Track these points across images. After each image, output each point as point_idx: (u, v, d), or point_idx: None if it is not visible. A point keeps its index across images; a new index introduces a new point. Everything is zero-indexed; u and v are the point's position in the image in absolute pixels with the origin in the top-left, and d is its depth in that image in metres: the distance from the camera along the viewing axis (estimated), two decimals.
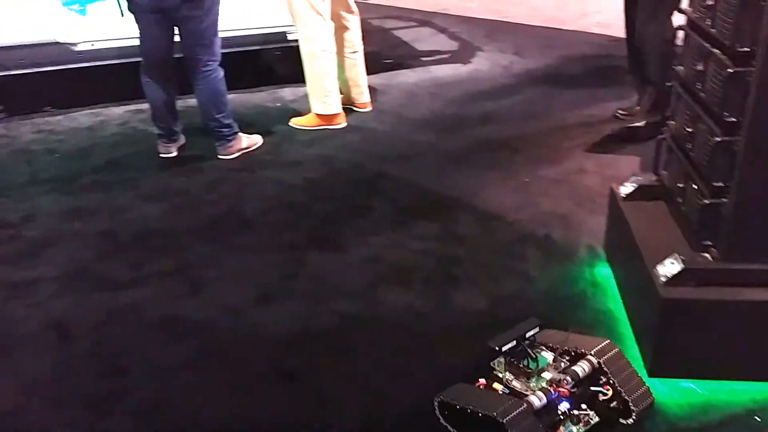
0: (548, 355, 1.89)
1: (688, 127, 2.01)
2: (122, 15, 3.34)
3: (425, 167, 3.52)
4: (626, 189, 2.34)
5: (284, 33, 4.59)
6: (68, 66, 4.34)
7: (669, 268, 1.89)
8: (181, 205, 3.18)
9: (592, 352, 1.82)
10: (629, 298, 2.25)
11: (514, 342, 1.85)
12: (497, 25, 6.25)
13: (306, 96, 4.13)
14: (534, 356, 1.86)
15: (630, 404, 1.78)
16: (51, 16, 4.18)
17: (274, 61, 5.24)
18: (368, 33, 6.46)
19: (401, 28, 6.67)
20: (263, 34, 4.62)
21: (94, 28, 4.32)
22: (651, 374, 1.96)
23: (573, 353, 1.87)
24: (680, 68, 2.14)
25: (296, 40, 4.51)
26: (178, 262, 2.71)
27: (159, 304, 2.44)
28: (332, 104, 4.00)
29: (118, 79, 4.52)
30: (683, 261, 1.88)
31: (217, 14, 3.39)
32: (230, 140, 3.62)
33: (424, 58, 5.59)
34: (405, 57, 5.61)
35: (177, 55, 3.48)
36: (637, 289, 2.13)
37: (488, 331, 2.17)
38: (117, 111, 4.46)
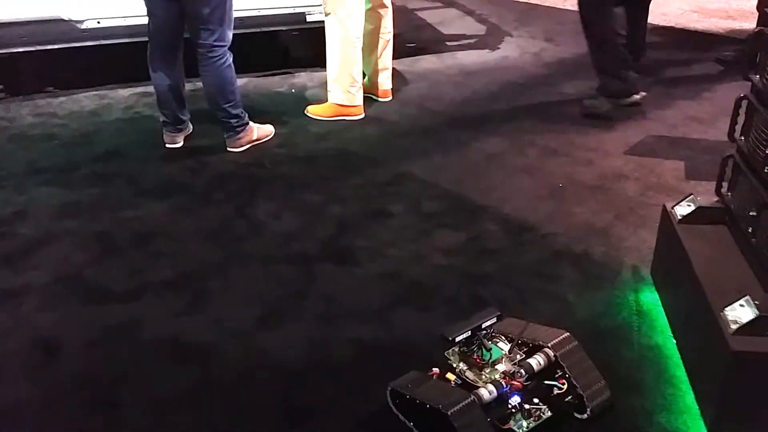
0: (504, 347, 1.84)
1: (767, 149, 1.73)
2: None
3: (450, 167, 3.25)
4: (682, 210, 2.07)
5: (303, 14, 4.31)
6: (73, 44, 4.09)
7: (740, 313, 1.62)
8: (184, 204, 2.94)
9: (550, 345, 1.77)
10: (685, 336, 1.99)
11: (469, 333, 1.81)
12: (527, 9, 5.92)
13: (324, 83, 3.86)
14: (488, 348, 1.82)
15: (585, 399, 1.72)
16: None
17: (291, 43, 4.96)
18: None
19: (425, 9, 6.36)
20: (280, 14, 4.33)
21: (100, 5, 4.06)
22: None
23: (530, 345, 1.82)
24: (756, 78, 1.85)
25: (316, 22, 4.25)
26: (179, 271, 2.47)
27: (157, 322, 2.21)
28: (356, 95, 3.73)
29: (125, 60, 4.27)
30: (758, 306, 1.61)
31: None
32: (239, 132, 3.37)
33: (449, 43, 5.30)
34: (429, 41, 5.32)
35: (187, 36, 3.22)
36: (696, 329, 1.86)
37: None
38: (123, 93, 4.22)
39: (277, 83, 4.41)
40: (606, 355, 2.01)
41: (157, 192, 3.04)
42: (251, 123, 3.43)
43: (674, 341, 2.05)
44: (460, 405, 1.59)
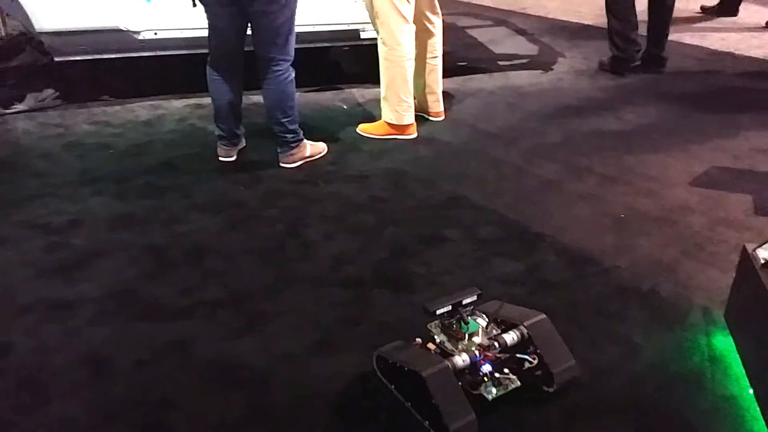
0: (482, 322, 1.97)
1: None
2: (194, 5, 3.07)
3: (505, 191, 3.17)
4: (766, 253, 1.95)
5: (357, 31, 4.28)
6: (129, 54, 4.13)
7: None
8: (237, 220, 2.91)
9: (524, 323, 1.92)
10: (764, 388, 1.86)
11: (450, 307, 1.93)
12: (579, 29, 5.81)
13: (376, 100, 3.82)
14: (467, 321, 1.93)
15: (553, 374, 1.87)
16: (114, 1, 3.96)
17: (344, 59, 4.94)
18: None
19: (476, 27, 6.31)
20: (334, 30, 4.31)
21: (158, 16, 4.09)
22: None
23: (507, 323, 1.96)
24: None
25: (370, 39, 4.23)
26: (231, 290, 2.43)
27: (208, 342, 2.17)
28: (407, 114, 3.68)
29: (180, 71, 4.31)
30: None
31: (294, 11, 3.09)
32: (293, 147, 3.34)
33: (501, 62, 5.23)
34: (480, 60, 5.26)
35: (247, 49, 3.20)
36: None
37: (586, 417, 1.85)
38: (177, 105, 4.24)
39: (329, 99, 4.39)
40: (677, 403, 1.91)
41: (209, 206, 3.02)
42: (305, 140, 3.40)
43: (751, 392, 1.93)
44: (434, 368, 1.75)
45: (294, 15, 3.09)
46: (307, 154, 3.41)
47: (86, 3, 3.89)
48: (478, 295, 1.98)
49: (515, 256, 2.63)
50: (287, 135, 3.29)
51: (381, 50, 3.58)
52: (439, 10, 3.76)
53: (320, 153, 3.47)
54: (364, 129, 3.81)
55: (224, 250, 2.68)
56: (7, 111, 4.06)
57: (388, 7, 3.44)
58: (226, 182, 3.24)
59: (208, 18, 3.11)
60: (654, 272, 2.50)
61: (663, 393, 1.94)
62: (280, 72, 3.14)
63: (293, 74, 3.21)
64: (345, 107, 4.25)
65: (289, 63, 3.17)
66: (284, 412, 1.90)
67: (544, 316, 1.95)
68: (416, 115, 3.81)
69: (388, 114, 3.69)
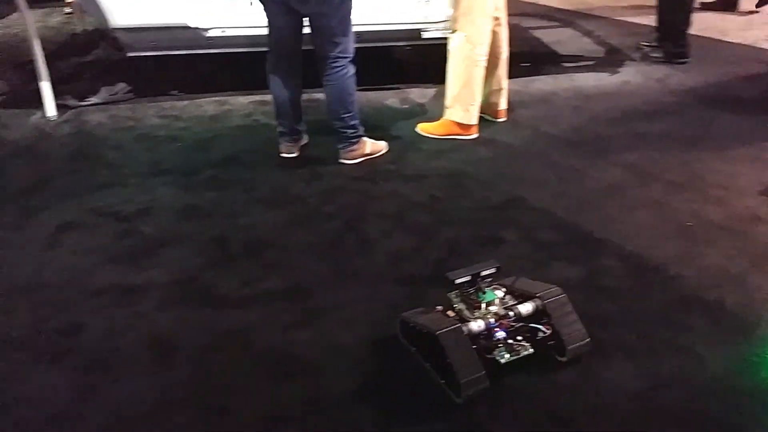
0: (499, 293, 2.09)
1: None
2: (251, 3, 3.14)
3: (566, 195, 3.12)
4: None
5: (419, 30, 4.29)
6: (198, 51, 4.26)
7: None
8: (297, 215, 2.97)
9: (539, 295, 2.04)
10: None
11: (469, 277, 2.05)
12: (649, 32, 5.64)
13: (436, 100, 3.81)
14: (484, 291, 2.05)
15: (565, 345, 1.98)
16: None
17: (405, 58, 4.96)
18: None
19: (541, 27, 6.22)
20: (396, 29, 4.33)
21: (225, 14, 4.20)
22: None
23: (524, 294, 2.08)
24: None
25: (431, 39, 4.23)
26: (290, 283, 2.49)
27: (268, 332, 2.22)
28: (475, 113, 3.67)
29: (246, 68, 4.40)
30: None
31: (349, 10, 3.12)
32: (353, 143, 3.38)
33: (565, 64, 5.14)
34: (544, 61, 5.18)
35: (307, 47, 3.26)
36: None
37: (641, 428, 1.82)
38: (242, 101, 4.34)
39: (390, 98, 4.41)
40: (740, 419, 1.85)
41: (270, 201, 3.08)
42: (365, 137, 3.43)
43: None
44: (449, 329, 1.89)
45: (349, 14, 3.12)
46: (367, 151, 3.44)
47: (158, 1, 4.02)
48: (497, 268, 2.09)
49: (575, 260, 2.60)
50: (347, 130, 3.33)
51: (463, 48, 3.56)
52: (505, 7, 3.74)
53: (380, 151, 3.50)
54: (424, 128, 3.82)
55: (284, 244, 2.74)
56: (82, 103, 4.24)
57: (480, 4, 3.44)
58: (288, 177, 3.30)
59: (267, 17, 3.19)
60: (720, 283, 2.43)
61: (726, 408, 1.88)
62: (339, 68, 3.18)
63: (353, 70, 3.24)
64: (406, 106, 4.26)
65: (348, 60, 3.21)
66: (337, 405, 1.93)
67: (559, 289, 2.05)
68: (479, 116, 3.79)
69: (457, 113, 3.68)
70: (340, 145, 3.40)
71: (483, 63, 3.59)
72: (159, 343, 2.18)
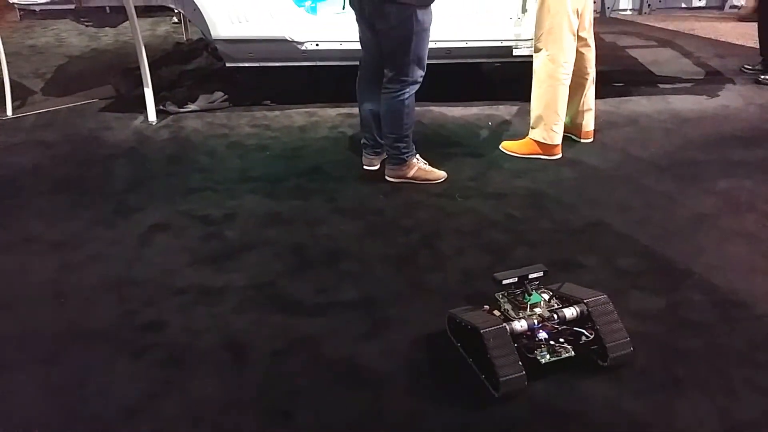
0: (545, 296, 2.16)
1: None
2: (343, 8, 3.21)
3: (652, 222, 3.01)
4: None
5: (510, 47, 4.27)
6: (293, 63, 4.40)
7: None
8: (375, 227, 3.01)
9: (584, 300, 2.08)
10: None
11: (516, 279, 2.14)
12: (753, 54, 5.37)
13: (522, 118, 3.78)
14: (530, 293, 2.14)
15: (608, 350, 2.03)
16: (282, 13, 4.25)
17: (494, 75, 4.94)
18: (599, 50, 5.92)
19: (638, 47, 6.04)
20: (486, 46, 4.33)
21: (321, 28, 4.33)
22: None
23: (569, 299, 2.13)
24: None
25: (522, 56, 4.20)
26: (362, 294, 2.53)
27: (337, 342, 2.27)
28: (558, 133, 3.61)
29: (336, 81, 4.52)
30: None
31: (412, 33, 3.02)
32: (395, 164, 3.38)
33: (661, 85, 4.97)
34: (639, 82, 5.03)
35: None
36: None
37: None
38: (330, 113, 4.46)
39: (476, 115, 4.40)
40: None
41: (350, 211, 3.15)
42: (419, 162, 3.41)
43: None
44: (492, 327, 1.97)
45: (412, 39, 3.03)
46: (411, 175, 3.38)
47: (258, 14, 4.21)
48: (545, 272, 2.17)
49: (656, 291, 2.50)
50: (392, 150, 3.35)
51: (546, 67, 3.52)
52: (592, 26, 3.66)
53: (432, 180, 3.41)
54: (507, 147, 3.79)
55: (360, 255, 2.79)
56: (181, 110, 4.47)
57: (564, 23, 3.41)
58: (368, 189, 3.36)
59: (359, 35, 3.26)
60: None
61: None
62: (393, 90, 3.18)
63: (408, 95, 3.19)
64: (490, 124, 4.24)
65: (407, 84, 3.17)
66: (405, 420, 1.94)
67: (605, 296, 2.10)
68: (564, 136, 3.72)
69: (540, 133, 3.63)
70: (386, 161, 3.43)
71: (567, 82, 3.53)
72: (233, 345, 2.26)
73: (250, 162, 3.73)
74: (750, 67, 5.11)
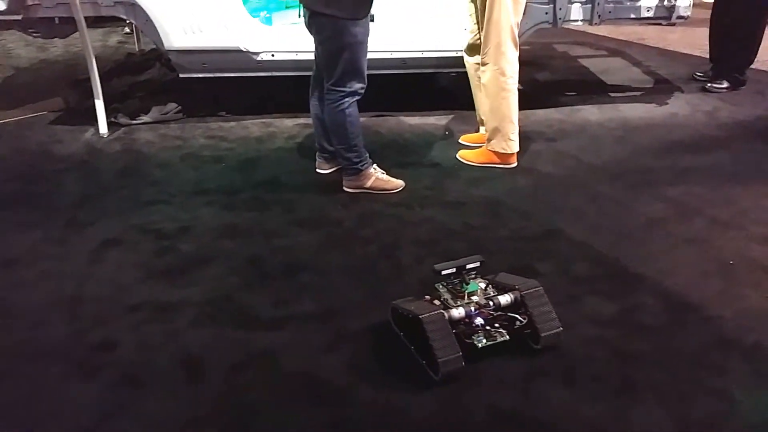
0: (482, 284, 2.31)
1: None
2: (299, 16, 3.20)
3: (605, 229, 3.08)
4: None
5: (461, 57, 4.31)
6: (247, 74, 4.37)
7: None
8: (333, 238, 3.00)
9: (518, 288, 2.24)
10: None
11: (454, 269, 2.27)
12: (701, 63, 5.56)
13: (478, 128, 3.82)
14: (468, 282, 2.27)
15: (540, 333, 2.18)
16: (237, 23, 4.21)
17: (449, 85, 4.99)
18: (551, 60, 6.07)
19: (589, 56, 6.18)
20: (442, 57, 4.37)
21: (276, 38, 4.31)
22: None
23: (504, 287, 2.28)
24: None
25: None
26: (322, 306, 2.51)
27: (298, 355, 2.24)
28: (515, 141, 3.67)
29: (292, 91, 4.50)
30: None
31: (344, 45, 3.02)
32: (351, 175, 3.38)
33: (612, 94, 5.09)
34: (590, 91, 5.14)
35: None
36: None
37: None
38: (287, 123, 4.44)
39: (433, 124, 4.43)
40: None
41: (308, 222, 3.13)
42: (376, 172, 3.42)
43: None
44: (430, 313, 2.09)
45: (348, 50, 3.03)
46: (368, 185, 3.37)
47: (211, 24, 4.16)
48: (481, 262, 2.30)
49: (610, 296, 2.55)
50: (343, 161, 3.36)
51: (496, 81, 3.56)
52: None
53: (390, 189, 3.40)
54: (464, 156, 3.83)
55: (319, 266, 2.77)
56: (134, 122, 4.39)
57: (508, 37, 3.46)
58: (326, 200, 3.34)
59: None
60: (760, 325, 2.35)
61: None
62: (332, 101, 3.18)
63: (348, 105, 3.18)
64: (447, 133, 4.28)
65: (344, 95, 3.16)
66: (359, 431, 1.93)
67: (536, 282, 2.26)
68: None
69: (499, 144, 3.66)
70: (343, 172, 3.43)
71: (516, 91, 3.59)
72: (189, 362, 2.22)
73: (205, 174, 3.68)
74: (701, 75, 5.28)
